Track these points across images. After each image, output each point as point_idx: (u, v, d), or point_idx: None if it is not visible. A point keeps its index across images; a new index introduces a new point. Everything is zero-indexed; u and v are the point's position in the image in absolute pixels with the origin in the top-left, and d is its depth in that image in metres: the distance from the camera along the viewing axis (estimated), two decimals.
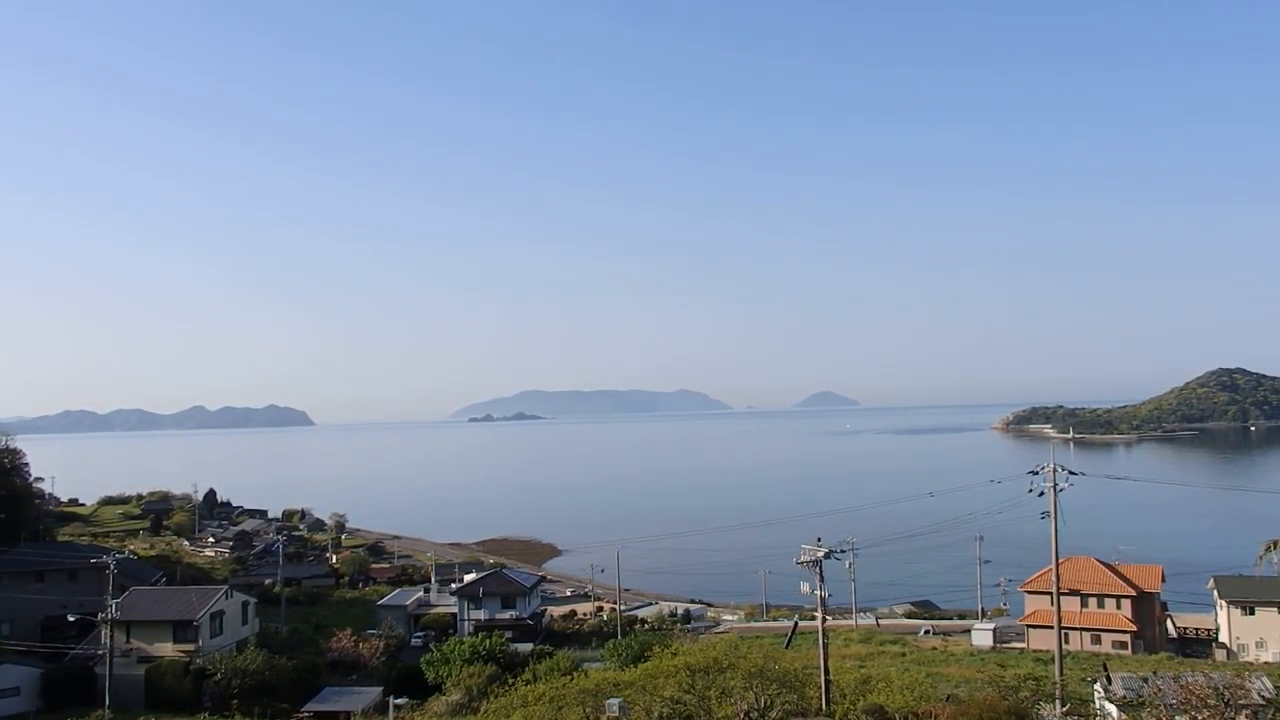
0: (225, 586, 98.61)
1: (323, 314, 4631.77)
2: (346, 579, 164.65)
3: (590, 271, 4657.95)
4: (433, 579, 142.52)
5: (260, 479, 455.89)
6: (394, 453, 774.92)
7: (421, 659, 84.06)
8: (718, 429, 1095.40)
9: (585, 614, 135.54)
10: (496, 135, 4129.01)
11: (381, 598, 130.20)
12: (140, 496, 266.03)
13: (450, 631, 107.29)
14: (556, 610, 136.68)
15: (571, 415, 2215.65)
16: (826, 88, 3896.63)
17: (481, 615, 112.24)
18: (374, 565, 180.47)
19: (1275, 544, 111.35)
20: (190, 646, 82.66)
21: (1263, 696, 47.36)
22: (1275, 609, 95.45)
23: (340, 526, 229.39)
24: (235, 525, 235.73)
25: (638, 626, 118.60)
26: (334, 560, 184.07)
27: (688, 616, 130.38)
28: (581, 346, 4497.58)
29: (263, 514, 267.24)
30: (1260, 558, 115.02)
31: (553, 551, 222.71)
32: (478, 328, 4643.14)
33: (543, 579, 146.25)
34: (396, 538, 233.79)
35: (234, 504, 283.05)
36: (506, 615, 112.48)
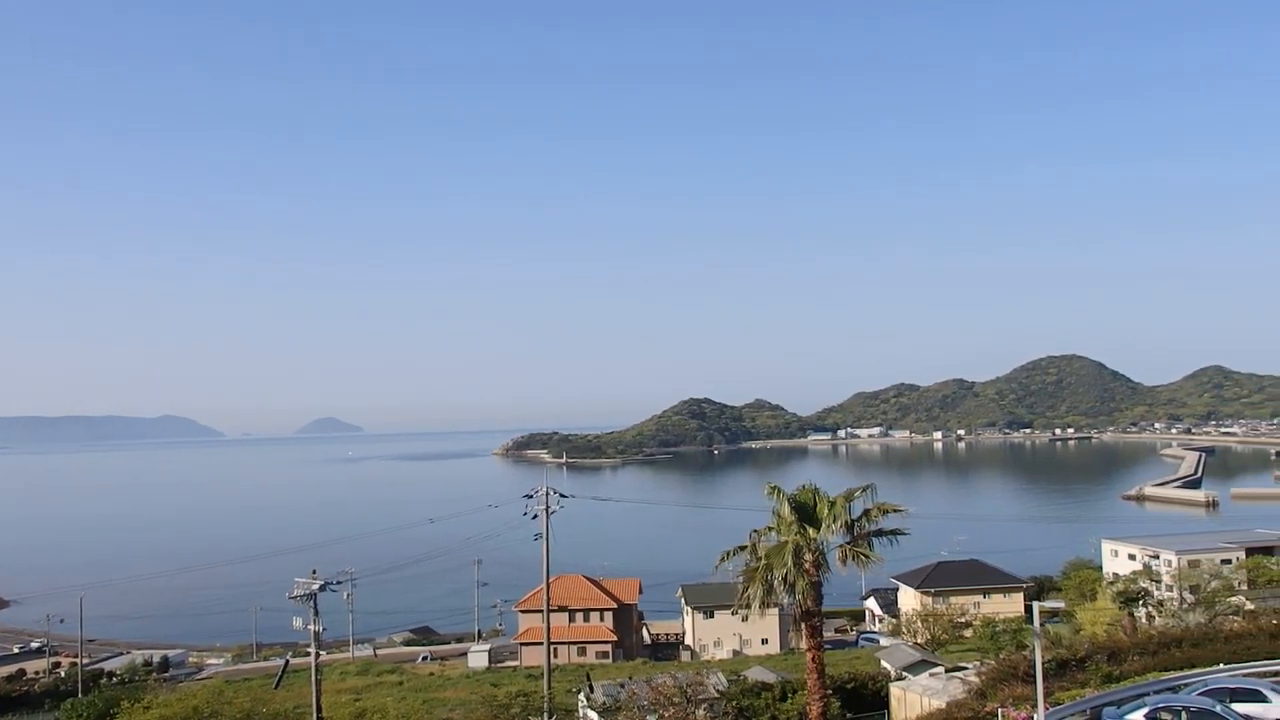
0: None
1: None
2: None
3: (48, 275, 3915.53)
4: None
5: None
6: None
7: None
8: (211, 457, 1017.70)
9: (38, 672, 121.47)
10: None
11: None
12: None
13: None
14: (1, 671, 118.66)
15: (31, 444, 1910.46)
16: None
17: None
18: None
19: (730, 553, 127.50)
20: None
21: (717, 690, 54.03)
22: (730, 612, 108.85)
23: None
24: None
25: (104, 681, 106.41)
26: None
27: (166, 664, 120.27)
28: (44, 363, 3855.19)
29: None
30: (716, 566, 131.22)
31: None
32: None
33: None
34: None
35: None
36: None
